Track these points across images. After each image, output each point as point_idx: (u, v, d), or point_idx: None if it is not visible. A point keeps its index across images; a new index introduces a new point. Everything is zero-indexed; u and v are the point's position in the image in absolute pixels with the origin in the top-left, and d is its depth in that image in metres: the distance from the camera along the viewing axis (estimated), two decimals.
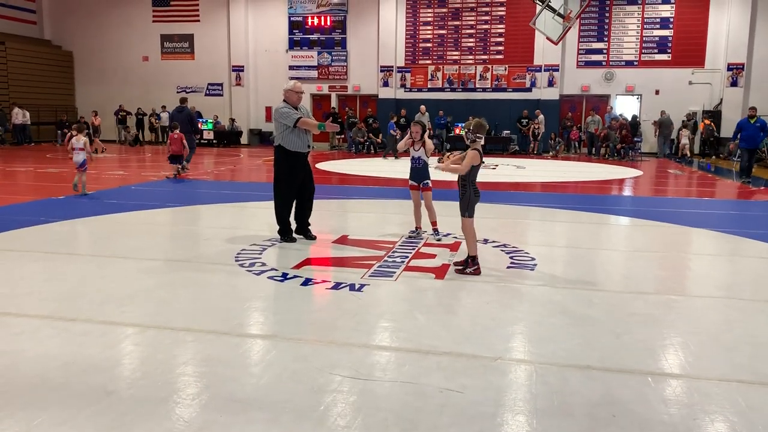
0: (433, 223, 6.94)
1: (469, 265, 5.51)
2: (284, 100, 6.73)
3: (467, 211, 5.55)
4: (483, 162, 5.53)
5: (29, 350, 3.61)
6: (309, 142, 6.82)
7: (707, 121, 21.40)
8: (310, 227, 6.96)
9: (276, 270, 5.52)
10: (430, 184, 6.97)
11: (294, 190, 6.76)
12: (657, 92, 22.50)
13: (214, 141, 24.55)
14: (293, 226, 6.87)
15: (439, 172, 5.98)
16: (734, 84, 21.68)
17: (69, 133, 18.06)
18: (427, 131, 7.23)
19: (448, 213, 7.20)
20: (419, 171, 6.96)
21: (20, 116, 23.20)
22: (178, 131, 13.02)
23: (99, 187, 11.28)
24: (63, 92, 26.90)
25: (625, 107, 22.73)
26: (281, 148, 6.68)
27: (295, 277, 5.32)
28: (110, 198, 9.90)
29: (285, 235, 6.76)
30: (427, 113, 20.99)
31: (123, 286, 4.98)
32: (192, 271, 5.56)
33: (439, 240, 6.83)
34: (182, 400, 3.02)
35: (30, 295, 4.69)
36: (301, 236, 6.87)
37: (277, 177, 6.76)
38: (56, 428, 2.72)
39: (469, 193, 5.52)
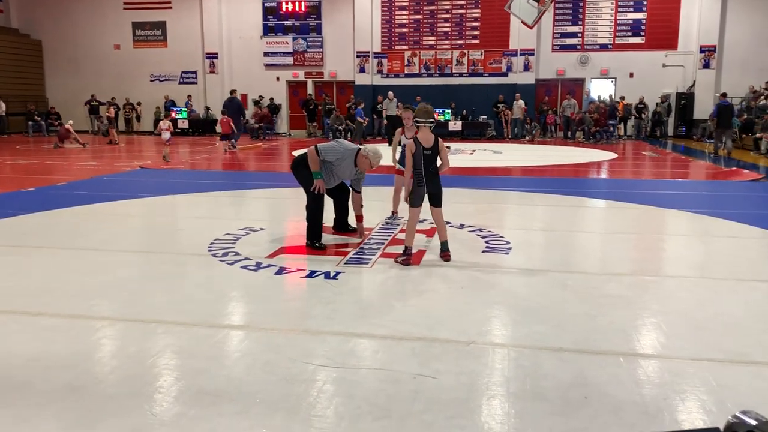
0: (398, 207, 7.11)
1: (402, 254, 5.38)
2: (356, 158, 6.09)
3: (410, 201, 5.42)
4: (426, 148, 5.33)
5: None
6: (335, 182, 6.29)
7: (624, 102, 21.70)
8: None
9: (250, 259, 5.45)
10: None
11: (322, 199, 6.06)
12: (631, 75, 22.66)
13: (189, 130, 24.23)
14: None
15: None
16: (706, 66, 21.90)
17: (66, 126, 17.83)
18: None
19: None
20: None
21: None
22: (226, 116, 16.72)
23: (70, 178, 11.06)
24: (32, 82, 26.30)
25: (600, 90, 22.86)
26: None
27: (269, 266, 5.26)
28: (81, 189, 9.72)
29: (315, 239, 6.00)
30: (395, 99, 20.95)
31: (92, 279, 4.88)
32: (164, 262, 5.48)
33: (399, 223, 6.95)
34: (151, 394, 2.96)
35: None
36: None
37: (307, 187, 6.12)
38: (19, 425, 2.65)
39: (414, 183, 5.38)
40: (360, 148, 6.16)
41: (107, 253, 5.73)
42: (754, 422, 0.92)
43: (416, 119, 5.46)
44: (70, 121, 18.96)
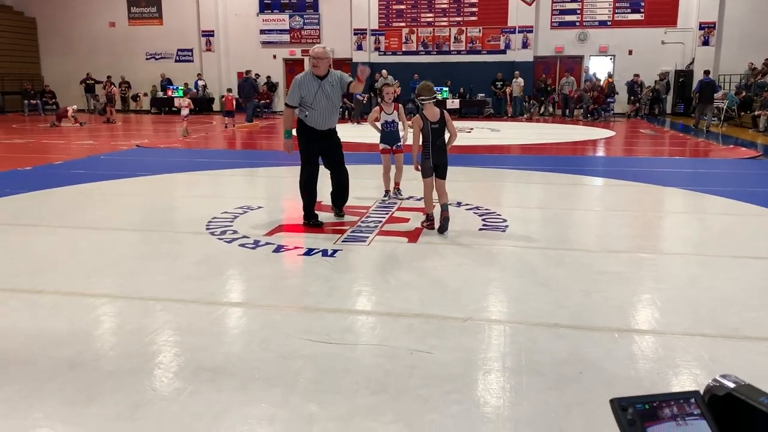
0: (397, 184, 7.16)
1: (425, 220, 5.82)
2: (310, 74, 5.78)
3: (421, 173, 5.71)
4: (433, 122, 5.56)
5: None
6: (327, 121, 5.83)
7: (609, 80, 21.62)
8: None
9: (248, 237, 5.47)
10: (402, 147, 7.04)
11: (311, 170, 5.88)
12: (630, 52, 22.52)
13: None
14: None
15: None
16: (706, 43, 21.76)
17: (68, 109, 17.74)
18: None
19: (415, 176, 7.17)
20: (393, 134, 7.01)
21: None
22: (232, 94, 17.69)
23: (67, 157, 11.04)
24: (27, 61, 26.07)
25: (598, 68, 22.73)
26: (299, 119, 5.88)
27: (267, 244, 5.28)
28: (78, 168, 9.70)
29: (308, 219, 5.93)
30: (389, 77, 20.85)
31: (91, 257, 4.90)
32: (162, 241, 5.50)
33: (401, 200, 7.01)
34: (150, 370, 2.99)
35: None
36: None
37: (299, 151, 5.95)
38: (20, 402, 2.68)
39: (421, 156, 5.65)
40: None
41: (105, 232, 5.74)
42: (732, 385, 0.95)
43: (419, 97, 5.62)
44: (74, 106, 18.81)
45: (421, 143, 5.61)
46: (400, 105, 7.22)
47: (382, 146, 7.05)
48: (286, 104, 5.90)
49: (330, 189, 6.23)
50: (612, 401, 0.91)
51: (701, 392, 0.95)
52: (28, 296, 4.01)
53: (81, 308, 3.80)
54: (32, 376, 2.91)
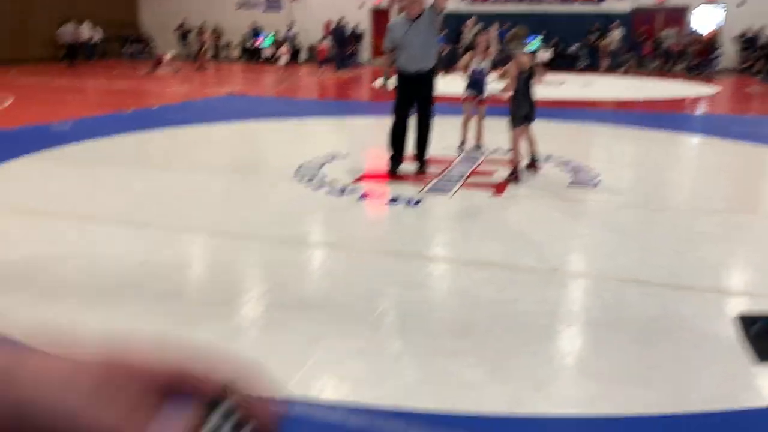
0: (478, 139, 7.01)
1: (511, 173, 5.71)
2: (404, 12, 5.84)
3: (511, 122, 5.72)
4: (532, 70, 5.64)
5: (105, 252, 3.83)
6: (423, 62, 5.74)
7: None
8: (426, 159, 6.09)
9: (334, 184, 5.60)
10: (487, 98, 6.98)
11: (402, 116, 5.87)
12: (742, 2, 20.84)
13: (273, 57, 24.40)
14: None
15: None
16: None
17: (166, 55, 18.49)
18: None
19: (503, 129, 7.06)
20: (480, 82, 6.87)
21: (86, 32, 23.55)
22: (325, 43, 18.91)
23: (162, 102, 11.53)
24: (125, 8, 27.11)
25: (705, 20, 21.21)
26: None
27: (352, 191, 5.38)
28: (173, 113, 10.13)
29: (391, 163, 5.94)
30: (477, 26, 20.31)
31: (189, 196, 5.17)
32: (253, 184, 5.71)
33: (482, 153, 6.86)
34: (246, 302, 3.18)
35: (103, 202, 4.95)
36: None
37: (395, 98, 5.96)
38: (132, 319, 2.92)
39: (512, 105, 5.68)
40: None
41: (200, 173, 6.02)
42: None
43: (512, 47, 5.69)
44: (172, 51, 19.50)
45: (512, 92, 5.62)
46: (492, 53, 7.04)
47: (467, 93, 6.93)
48: (384, 50, 5.99)
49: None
50: (739, 317, 0.92)
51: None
52: (134, 229, 4.29)
53: (182, 242, 4.05)
54: (142, 299, 3.15)
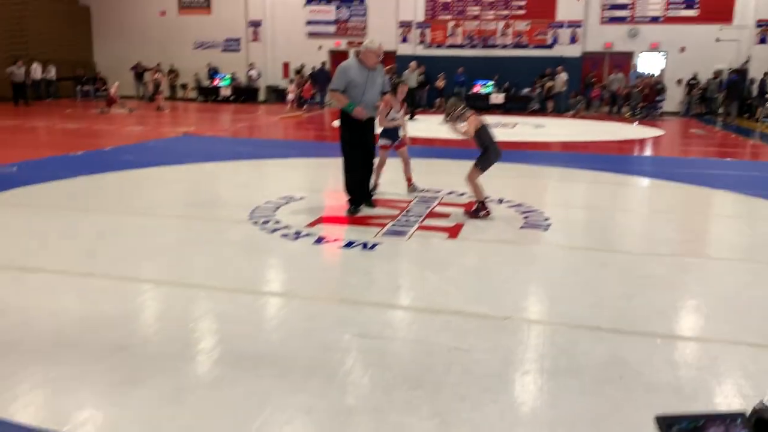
0: (409, 179, 7.20)
1: (481, 209, 5.94)
2: (358, 58, 6.01)
3: (481, 164, 5.96)
4: (485, 123, 6.02)
5: (44, 306, 3.67)
6: (373, 110, 6.14)
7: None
8: (373, 193, 6.53)
9: (289, 228, 5.54)
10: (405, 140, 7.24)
11: (355, 157, 6.10)
12: (683, 49, 21.86)
13: (232, 97, 24.42)
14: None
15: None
16: (762, 41, 20.99)
17: (112, 88, 18.39)
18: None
19: (457, 171, 7.15)
20: (396, 130, 7.13)
21: (38, 72, 23.13)
22: (308, 84, 21.74)
23: (116, 143, 11.33)
24: (81, 48, 26.82)
25: (649, 65, 22.15)
26: (342, 110, 6.10)
27: (307, 235, 5.34)
28: (127, 154, 9.95)
29: (352, 204, 6.15)
30: (417, 70, 20.90)
31: (137, 243, 5.04)
32: (206, 229, 5.61)
33: (419, 192, 7.10)
34: (194, 356, 3.08)
35: (46, 251, 4.78)
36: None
37: (341, 140, 6.17)
38: (70, 382, 2.78)
39: (489, 153, 5.96)
40: (358, 53, 6.10)
41: (151, 218, 5.89)
42: None
43: (457, 112, 5.96)
44: (117, 83, 19.40)
45: (483, 142, 5.96)
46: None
47: (382, 141, 7.04)
48: (331, 90, 6.05)
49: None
50: (657, 418, 0.90)
51: (746, 414, 0.94)
52: (77, 279, 4.15)
53: (128, 292, 3.92)
54: (82, 357, 3.02)
